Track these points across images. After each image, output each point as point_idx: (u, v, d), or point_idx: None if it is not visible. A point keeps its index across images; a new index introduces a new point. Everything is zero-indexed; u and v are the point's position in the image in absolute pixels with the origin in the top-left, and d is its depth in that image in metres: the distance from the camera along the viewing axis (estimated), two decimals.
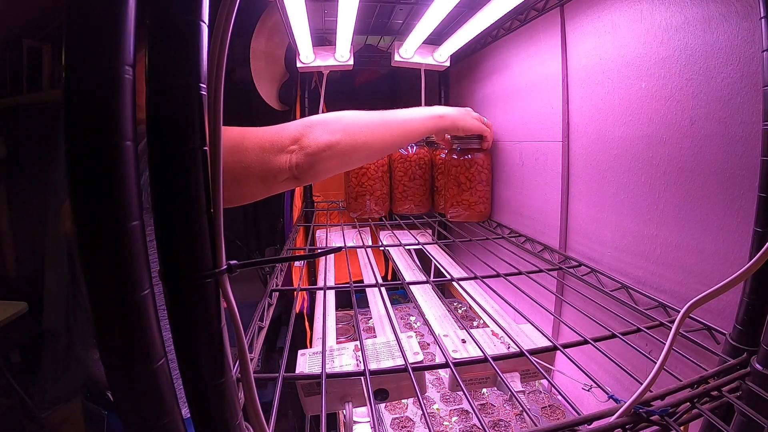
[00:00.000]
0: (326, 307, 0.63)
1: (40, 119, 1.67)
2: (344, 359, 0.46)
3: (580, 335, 0.45)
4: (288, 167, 0.53)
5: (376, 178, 1.01)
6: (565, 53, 0.71)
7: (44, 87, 1.68)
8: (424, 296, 0.69)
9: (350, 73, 1.21)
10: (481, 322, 0.90)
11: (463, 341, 0.49)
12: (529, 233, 0.83)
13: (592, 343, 0.44)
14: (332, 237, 0.94)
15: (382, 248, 0.85)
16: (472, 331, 0.49)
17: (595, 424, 0.31)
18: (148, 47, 0.21)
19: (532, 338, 0.49)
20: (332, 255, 0.60)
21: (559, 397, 0.67)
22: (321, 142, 0.55)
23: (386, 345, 0.48)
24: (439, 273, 0.71)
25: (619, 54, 0.59)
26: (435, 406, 0.75)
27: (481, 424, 0.32)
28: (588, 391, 0.39)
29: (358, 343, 0.47)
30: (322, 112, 1.16)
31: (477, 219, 0.97)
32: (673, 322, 0.39)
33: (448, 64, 1.04)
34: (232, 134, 0.53)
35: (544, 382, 0.71)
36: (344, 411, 0.45)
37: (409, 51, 0.98)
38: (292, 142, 0.54)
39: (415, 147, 1.03)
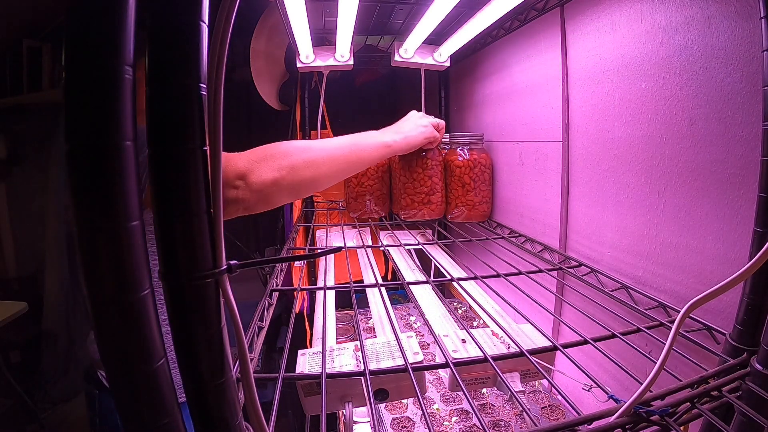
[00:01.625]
0: (326, 307, 0.62)
1: (40, 119, 1.68)
2: (344, 359, 0.46)
3: (580, 335, 0.45)
4: (234, 201, 0.53)
5: (376, 178, 1.01)
6: (565, 53, 0.71)
7: (44, 87, 1.68)
8: (424, 296, 0.69)
9: (350, 73, 1.21)
10: (481, 322, 0.90)
11: (463, 341, 0.49)
12: (529, 233, 0.83)
13: (592, 343, 0.44)
14: (332, 237, 0.94)
15: (382, 248, 0.85)
16: (472, 331, 0.48)
17: (595, 424, 0.31)
18: (148, 47, 0.21)
19: (532, 338, 0.49)
20: (332, 255, 0.60)
21: (559, 397, 0.67)
22: (267, 180, 0.54)
23: (386, 345, 0.48)
24: (439, 273, 0.71)
25: (619, 54, 0.59)
26: (435, 406, 0.75)
27: (481, 424, 0.32)
28: (588, 391, 0.39)
29: (358, 343, 0.47)
30: (322, 112, 1.16)
31: (478, 219, 0.97)
32: (673, 322, 0.39)
33: (448, 64, 1.03)
34: None
35: (544, 382, 0.71)
36: (344, 411, 0.45)
37: (409, 51, 0.98)
38: (238, 177, 0.53)
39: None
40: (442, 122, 0.88)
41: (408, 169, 0.92)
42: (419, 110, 1.10)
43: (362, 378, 0.42)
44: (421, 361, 0.45)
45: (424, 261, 0.89)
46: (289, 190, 0.58)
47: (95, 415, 0.74)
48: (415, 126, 0.81)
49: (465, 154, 0.93)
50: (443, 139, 1.00)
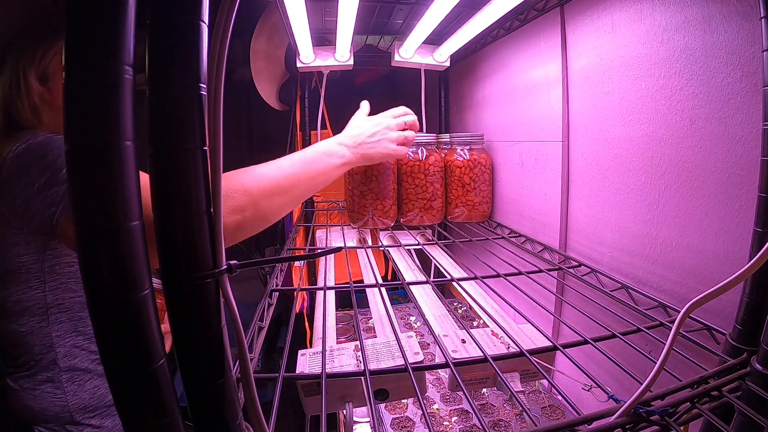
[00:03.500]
0: (326, 307, 0.62)
1: None
2: (344, 359, 0.46)
3: (580, 335, 0.45)
4: None
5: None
6: (565, 53, 0.71)
7: None
8: (424, 296, 0.69)
9: (350, 73, 1.21)
10: (481, 322, 0.90)
11: (463, 341, 0.49)
12: (529, 233, 0.83)
13: (592, 343, 0.44)
14: (332, 237, 0.94)
15: (382, 248, 0.85)
16: (472, 331, 0.48)
17: (595, 424, 0.31)
18: (148, 47, 0.21)
19: (532, 338, 0.49)
20: (332, 255, 0.59)
21: (559, 397, 0.67)
22: (230, 224, 0.49)
23: (386, 345, 0.48)
24: (439, 273, 0.71)
25: (619, 54, 0.59)
26: (435, 406, 0.75)
27: (481, 424, 0.32)
28: (588, 391, 0.39)
29: (358, 343, 0.47)
30: (322, 112, 1.15)
31: (479, 219, 0.97)
32: (673, 322, 0.39)
33: (448, 64, 1.03)
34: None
35: (544, 382, 0.71)
36: (344, 411, 0.45)
37: (409, 51, 0.98)
38: None
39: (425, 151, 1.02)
40: (410, 119, 0.78)
41: (410, 174, 0.92)
42: (419, 110, 1.10)
43: (362, 378, 0.42)
44: (421, 361, 0.45)
45: (424, 261, 0.89)
46: (253, 227, 0.53)
47: None
48: (378, 141, 0.72)
49: (465, 155, 0.93)
50: (443, 140, 1.01)
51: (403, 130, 0.77)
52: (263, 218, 0.54)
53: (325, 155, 0.65)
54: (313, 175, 0.61)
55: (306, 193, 0.62)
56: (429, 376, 0.84)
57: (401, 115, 0.78)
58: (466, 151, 0.93)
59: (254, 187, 0.52)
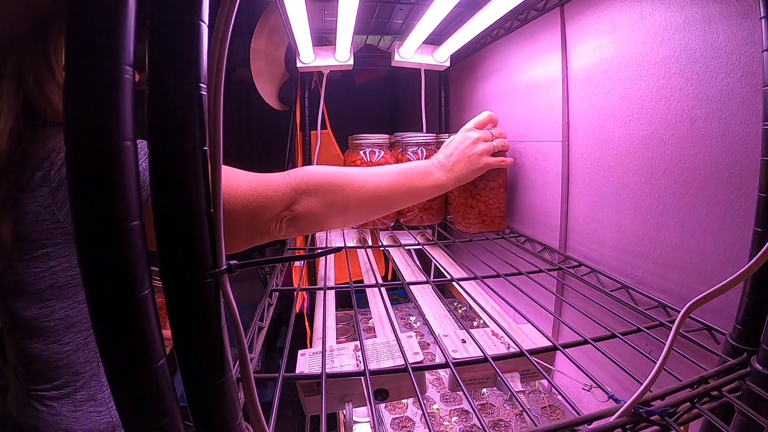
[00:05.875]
0: (326, 307, 0.62)
1: None
2: (344, 359, 0.46)
3: (580, 335, 0.45)
4: (276, 232, 0.52)
5: None
6: (565, 53, 0.71)
7: None
8: (424, 296, 0.69)
9: (350, 73, 1.21)
10: (481, 322, 0.90)
11: (463, 341, 0.49)
12: (528, 233, 0.83)
13: (592, 343, 0.44)
14: (332, 237, 0.94)
15: (382, 248, 0.85)
16: (472, 331, 0.49)
17: (595, 424, 0.31)
18: (148, 47, 0.21)
19: (532, 338, 0.49)
20: (332, 255, 0.59)
21: (559, 397, 0.67)
22: (313, 212, 0.53)
23: (386, 345, 0.48)
24: (439, 273, 0.71)
25: (619, 54, 0.59)
26: (435, 406, 0.75)
27: (481, 424, 0.32)
28: (588, 391, 0.39)
29: (358, 343, 0.47)
30: (322, 112, 1.15)
31: (495, 228, 0.97)
32: (673, 322, 0.39)
33: (448, 64, 1.04)
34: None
35: (544, 382, 0.71)
36: (344, 411, 0.45)
37: (409, 51, 0.98)
38: (284, 207, 0.52)
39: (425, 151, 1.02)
40: (496, 131, 0.78)
41: None
42: (419, 110, 1.10)
43: (362, 378, 0.42)
44: (421, 361, 0.45)
45: (424, 261, 0.89)
46: (326, 224, 0.58)
47: None
48: (469, 157, 0.74)
49: None
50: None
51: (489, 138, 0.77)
52: (344, 222, 0.59)
53: (420, 175, 0.67)
54: (406, 191, 0.64)
55: (393, 207, 0.65)
56: (429, 376, 0.84)
57: (485, 122, 0.79)
58: None
59: (350, 190, 0.56)
